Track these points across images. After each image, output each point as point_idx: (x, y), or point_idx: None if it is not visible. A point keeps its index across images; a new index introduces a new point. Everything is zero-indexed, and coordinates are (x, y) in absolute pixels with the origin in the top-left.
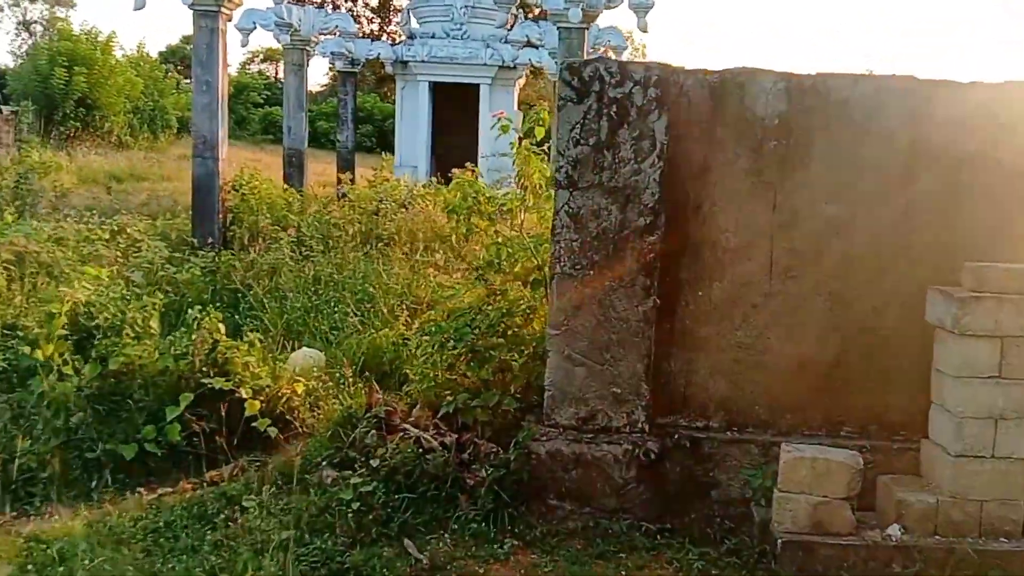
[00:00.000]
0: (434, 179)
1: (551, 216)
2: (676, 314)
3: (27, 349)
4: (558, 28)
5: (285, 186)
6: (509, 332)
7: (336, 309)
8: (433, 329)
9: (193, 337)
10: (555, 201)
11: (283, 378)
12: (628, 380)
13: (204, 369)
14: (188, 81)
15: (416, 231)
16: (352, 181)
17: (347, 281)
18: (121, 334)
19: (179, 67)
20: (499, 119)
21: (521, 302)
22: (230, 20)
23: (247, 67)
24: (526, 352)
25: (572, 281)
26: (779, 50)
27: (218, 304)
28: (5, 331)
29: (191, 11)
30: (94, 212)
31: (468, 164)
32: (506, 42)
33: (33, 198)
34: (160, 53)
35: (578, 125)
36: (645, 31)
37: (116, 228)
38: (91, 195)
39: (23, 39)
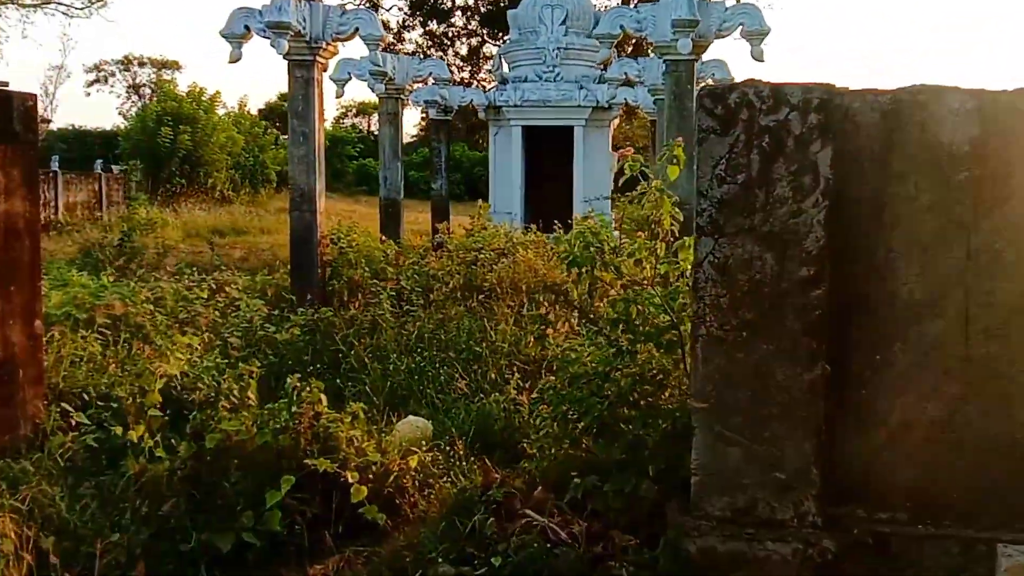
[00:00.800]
0: (533, 226)
1: (684, 266)
2: (849, 384)
3: (119, 429)
4: (665, 61)
5: (382, 237)
6: (642, 402)
7: (441, 371)
8: (554, 397)
9: (293, 409)
10: (695, 250)
11: (390, 452)
12: (794, 463)
13: (306, 448)
14: (287, 136)
15: (519, 281)
16: (448, 230)
17: (451, 339)
18: (217, 407)
19: (278, 123)
20: (624, 158)
21: (654, 367)
22: (325, 70)
23: (341, 121)
24: (663, 426)
25: (721, 345)
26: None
27: (318, 366)
28: (98, 402)
29: (286, 62)
30: (195, 269)
31: (564, 211)
32: (600, 81)
33: (136, 255)
34: (259, 110)
35: (723, 160)
36: (760, 59)
37: (215, 286)
38: (193, 251)
39: (133, 101)
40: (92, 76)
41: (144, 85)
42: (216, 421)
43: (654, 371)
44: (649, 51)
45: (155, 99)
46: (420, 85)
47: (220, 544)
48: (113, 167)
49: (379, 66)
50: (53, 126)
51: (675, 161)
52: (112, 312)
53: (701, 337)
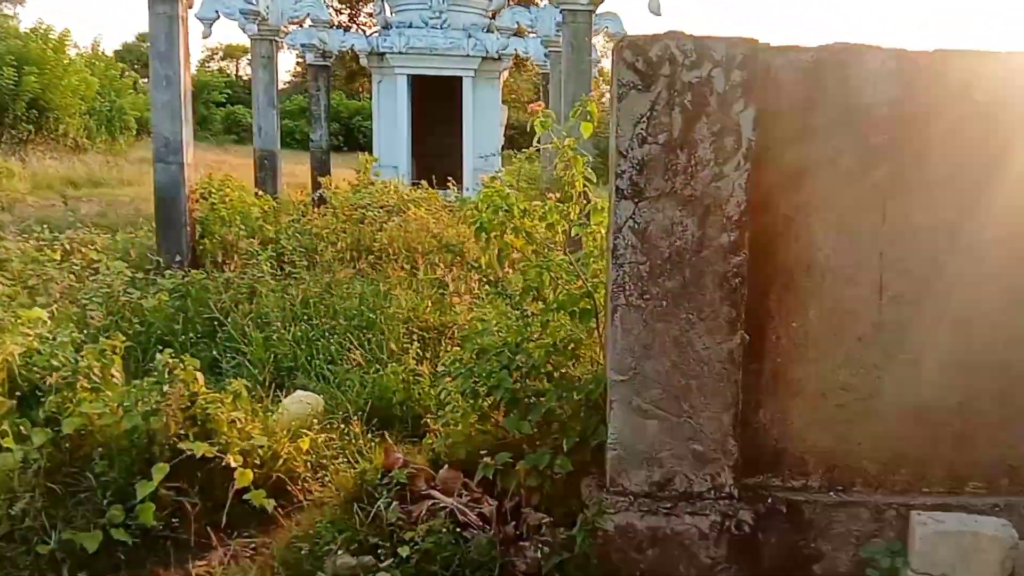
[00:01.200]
0: (423, 182)
1: (596, 230)
2: (765, 352)
3: None
4: (562, 11)
5: (258, 192)
6: (555, 374)
7: (332, 340)
8: (460, 370)
9: (165, 388)
10: (614, 215)
11: (278, 433)
12: (712, 435)
13: (181, 431)
14: (146, 80)
15: (412, 242)
16: (331, 184)
17: (340, 304)
18: (75, 387)
19: (136, 66)
20: (536, 114)
21: (566, 337)
22: (191, 8)
23: (207, 65)
24: (577, 399)
25: (640, 314)
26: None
27: (191, 336)
28: None
29: None
30: (45, 226)
31: (453, 166)
32: (489, 31)
33: None
34: (116, 52)
35: (644, 119)
36: (658, 13)
37: (69, 247)
38: (45, 204)
39: None
40: None
41: None
42: (75, 404)
43: (566, 341)
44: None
45: None
46: (296, 28)
47: (86, 544)
48: None
49: (252, 4)
50: None
51: (588, 117)
52: None
53: (620, 307)
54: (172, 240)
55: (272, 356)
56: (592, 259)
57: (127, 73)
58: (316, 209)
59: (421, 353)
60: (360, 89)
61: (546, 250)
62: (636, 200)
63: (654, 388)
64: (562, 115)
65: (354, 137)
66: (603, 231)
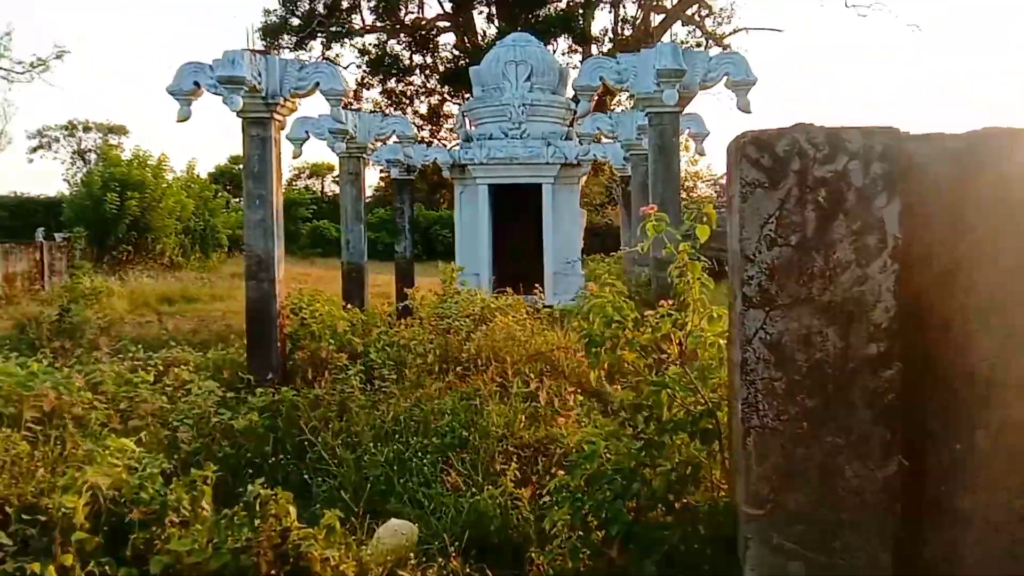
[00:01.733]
0: (509, 289)
1: (712, 340)
2: (926, 479)
3: (36, 567)
4: (648, 114)
5: (346, 304)
6: (677, 504)
7: (425, 460)
8: (568, 499)
9: (256, 523)
10: (742, 326)
11: (373, 570)
12: None
13: (272, 571)
14: (238, 200)
15: (500, 351)
16: (405, 296)
17: (431, 421)
18: (163, 523)
19: (228, 187)
20: (648, 216)
21: (685, 459)
22: (283, 129)
23: (294, 183)
24: (703, 533)
25: (777, 438)
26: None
27: (282, 458)
28: (23, 515)
29: (240, 119)
30: (141, 346)
31: (534, 272)
32: (567, 138)
33: (76, 332)
34: (209, 173)
35: (772, 219)
36: (747, 111)
37: (162, 366)
38: (140, 322)
39: (78, 167)
40: (35, 142)
41: (90, 150)
42: (163, 540)
43: (687, 466)
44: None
45: (100, 164)
46: (381, 145)
47: None
48: (56, 235)
49: (341, 123)
50: None
51: (705, 220)
52: (43, 403)
53: (754, 430)
54: (263, 356)
55: (364, 479)
56: (710, 372)
57: (220, 193)
58: (402, 320)
59: (519, 474)
60: (440, 200)
61: (660, 363)
62: (767, 308)
63: (797, 524)
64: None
65: (432, 246)
66: (722, 342)
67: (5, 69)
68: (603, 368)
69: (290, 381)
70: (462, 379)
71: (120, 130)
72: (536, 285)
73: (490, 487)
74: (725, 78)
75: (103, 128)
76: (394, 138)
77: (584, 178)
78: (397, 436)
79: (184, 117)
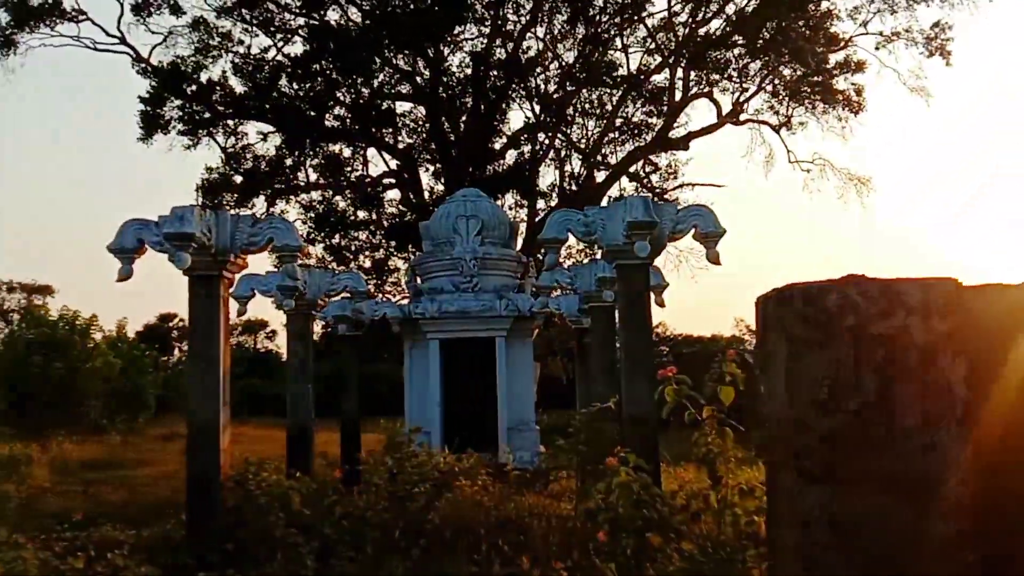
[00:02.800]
0: (457, 448)
1: (746, 516)
2: None
3: None
4: (617, 266)
5: (291, 470)
6: None
7: None
8: None
9: None
10: (787, 501)
11: None
12: None
13: None
14: (165, 359)
15: (467, 520)
16: (362, 458)
17: None
18: None
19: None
20: (668, 379)
21: None
22: (231, 287)
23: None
24: None
25: None
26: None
27: None
28: None
29: (187, 277)
30: (65, 524)
31: (486, 428)
32: (520, 290)
33: None
34: (137, 332)
35: (827, 382)
36: (717, 262)
37: (93, 550)
38: (68, 490)
39: (9, 329)
40: None
41: (13, 311)
42: None
43: None
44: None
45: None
46: (329, 300)
47: None
48: None
49: (296, 280)
50: None
51: (729, 380)
52: None
53: None
54: (204, 536)
55: None
56: (745, 554)
57: (148, 353)
58: (353, 488)
59: None
60: (384, 355)
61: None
62: (830, 485)
63: None
64: (624, 371)
65: (373, 402)
66: (757, 519)
67: None
68: (627, 550)
69: (235, 563)
70: (426, 554)
71: (46, 290)
72: (488, 443)
73: None
74: (694, 230)
75: (28, 288)
76: (346, 293)
77: (537, 330)
78: None
79: (125, 276)
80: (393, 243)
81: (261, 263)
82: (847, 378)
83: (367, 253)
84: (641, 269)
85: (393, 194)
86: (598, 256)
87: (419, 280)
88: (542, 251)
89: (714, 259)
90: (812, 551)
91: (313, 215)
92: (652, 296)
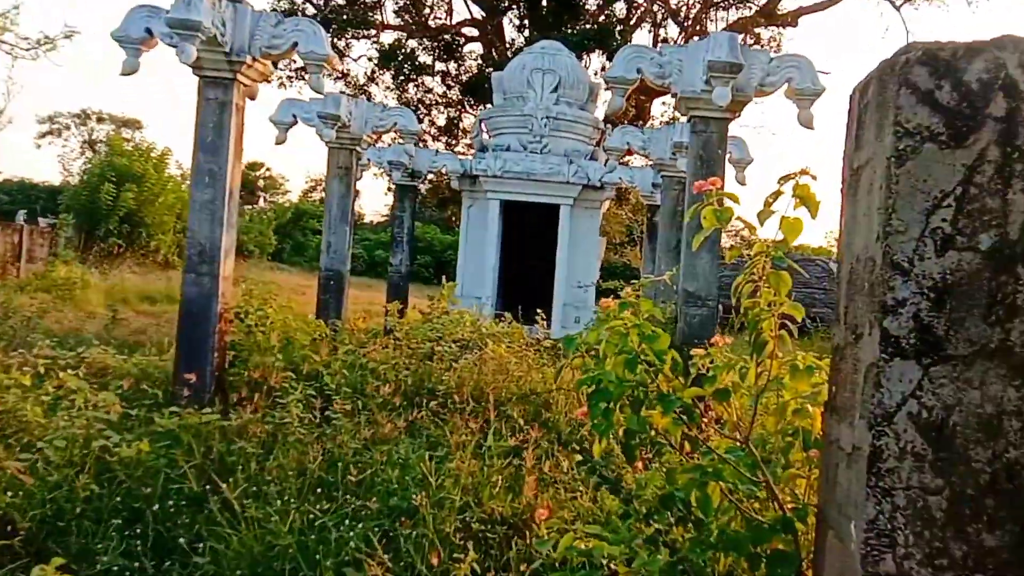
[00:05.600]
0: (508, 315)
1: (792, 404)
2: None
3: None
4: (691, 119)
5: (316, 318)
6: None
7: (352, 534)
8: None
9: None
10: (867, 386)
11: None
12: None
13: None
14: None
15: (487, 387)
16: (401, 312)
17: (376, 477)
18: None
19: (243, 193)
20: (710, 193)
21: None
22: (252, 98)
23: (309, 195)
24: None
25: None
26: None
27: (171, 504)
28: None
29: (197, 78)
30: (72, 342)
31: (543, 300)
32: (592, 158)
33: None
34: None
35: (949, 201)
36: (810, 126)
37: (43, 370)
38: (95, 317)
39: (88, 157)
40: (45, 128)
41: (100, 142)
42: None
43: None
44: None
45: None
46: (383, 146)
47: None
48: (40, 220)
49: (331, 108)
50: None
51: (803, 202)
52: None
53: None
54: (193, 366)
55: (269, 549)
56: (788, 454)
57: None
58: (381, 340)
59: (479, 568)
60: (454, 221)
61: (705, 434)
62: (928, 361)
63: None
64: (684, 242)
65: (444, 270)
66: (811, 408)
67: (9, 44)
68: (615, 435)
69: (225, 400)
70: (436, 417)
71: (134, 124)
72: (542, 316)
73: None
74: (786, 84)
75: (117, 120)
76: (396, 132)
77: (606, 204)
78: (330, 489)
79: (131, 69)
80: (469, 99)
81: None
82: (982, 196)
83: (441, 108)
84: (719, 123)
85: (474, 48)
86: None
87: (486, 135)
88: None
89: (807, 121)
90: (888, 460)
91: (380, 49)
92: (733, 171)
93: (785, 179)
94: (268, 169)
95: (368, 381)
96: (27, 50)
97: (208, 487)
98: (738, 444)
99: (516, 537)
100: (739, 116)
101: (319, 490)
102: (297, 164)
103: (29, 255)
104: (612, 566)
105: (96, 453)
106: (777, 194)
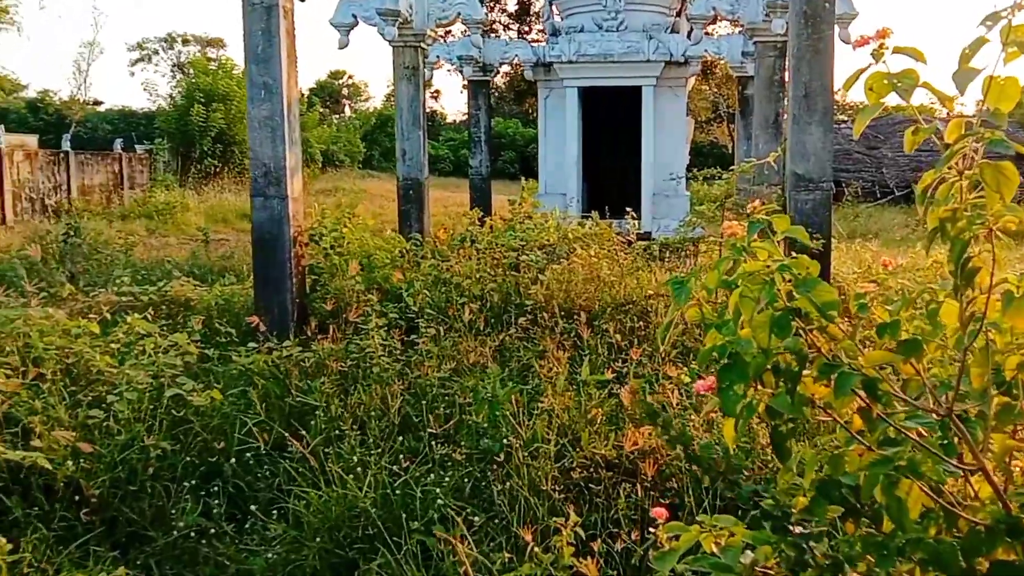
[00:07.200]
0: (595, 213)
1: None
2: None
3: None
4: None
5: (394, 232)
6: None
7: (441, 483)
8: None
9: None
10: None
11: None
12: None
13: None
14: (336, 117)
15: (577, 297)
16: (482, 221)
17: (464, 415)
18: None
19: (328, 103)
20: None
21: None
22: None
23: (392, 100)
24: None
25: None
26: None
27: (257, 450)
28: None
29: None
30: (155, 275)
31: (631, 192)
32: (674, 31)
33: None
34: (310, 88)
35: None
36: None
37: (109, 315)
38: (191, 241)
39: (178, 80)
40: (136, 55)
41: (188, 63)
42: None
43: None
44: None
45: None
46: (452, 39)
47: None
48: (136, 147)
49: (390, 3)
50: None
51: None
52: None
53: None
54: (271, 296)
55: (350, 509)
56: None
57: (315, 107)
58: (465, 250)
59: (580, 533)
60: (533, 114)
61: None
62: None
63: None
64: (790, 118)
65: (529, 165)
66: None
67: None
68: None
69: (304, 329)
70: (526, 335)
71: (218, 43)
72: (631, 209)
73: (537, 547)
74: None
75: (201, 41)
76: (460, 24)
77: (693, 80)
78: (416, 430)
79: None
80: None
81: None
82: None
83: None
84: None
85: None
86: None
87: (558, 17)
88: None
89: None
90: None
91: None
92: (836, 28)
93: (991, 18)
94: (351, 76)
95: (453, 299)
96: None
97: (288, 433)
98: (935, 418)
99: (623, 480)
100: None
101: (402, 435)
102: (379, 68)
103: (131, 182)
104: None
105: (168, 404)
106: (979, 43)
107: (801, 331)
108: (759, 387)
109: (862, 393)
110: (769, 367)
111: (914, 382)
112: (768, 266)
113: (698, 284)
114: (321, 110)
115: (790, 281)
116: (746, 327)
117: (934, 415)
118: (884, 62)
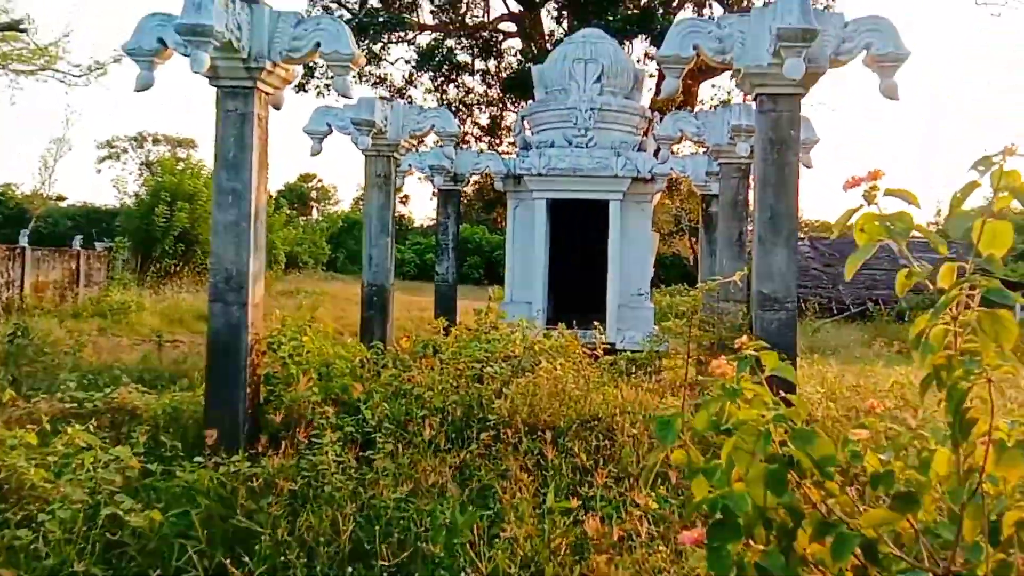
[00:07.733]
0: (561, 325)
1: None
2: None
3: None
4: (757, 96)
5: (354, 339)
6: None
7: None
8: None
9: None
10: None
11: None
12: None
13: None
14: (303, 219)
15: (541, 412)
16: (447, 330)
17: (419, 542)
18: None
19: (294, 205)
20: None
21: None
22: (277, 107)
23: (360, 204)
24: None
25: None
26: None
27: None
28: None
29: (215, 89)
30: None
31: (595, 303)
32: (640, 149)
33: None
34: (278, 191)
35: None
36: (894, 96)
37: (48, 424)
38: (143, 343)
39: (146, 179)
40: (104, 152)
41: (156, 163)
42: None
43: None
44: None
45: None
46: (424, 148)
47: None
48: (97, 244)
49: (365, 114)
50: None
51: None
52: None
53: None
54: (223, 406)
55: None
56: None
57: (282, 209)
58: (427, 361)
59: None
60: (501, 222)
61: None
62: None
63: None
64: (756, 239)
65: (494, 271)
66: None
67: (62, 72)
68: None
69: (257, 442)
70: (486, 455)
71: (188, 143)
72: (596, 320)
73: None
74: (864, 52)
75: (172, 141)
76: (433, 136)
77: (658, 196)
78: (367, 558)
79: (144, 85)
80: (510, 97)
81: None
82: None
83: (483, 108)
84: (790, 100)
85: (513, 43)
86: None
87: (528, 132)
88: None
89: (890, 92)
90: None
91: (418, 50)
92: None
93: (983, 163)
94: (319, 180)
95: (413, 412)
96: (79, 76)
97: (230, 560)
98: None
99: None
100: (812, 87)
101: (352, 566)
102: (348, 173)
103: (87, 279)
104: None
105: (104, 524)
106: (971, 188)
107: (794, 483)
108: (750, 543)
109: (858, 550)
110: (762, 525)
111: (907, 533)
112: (763, 415)
113: (685, 425)
114: (288, 212)
115: (786, 432)
116: (739, 480)
117: (931, 574)
118: (876, 203)
